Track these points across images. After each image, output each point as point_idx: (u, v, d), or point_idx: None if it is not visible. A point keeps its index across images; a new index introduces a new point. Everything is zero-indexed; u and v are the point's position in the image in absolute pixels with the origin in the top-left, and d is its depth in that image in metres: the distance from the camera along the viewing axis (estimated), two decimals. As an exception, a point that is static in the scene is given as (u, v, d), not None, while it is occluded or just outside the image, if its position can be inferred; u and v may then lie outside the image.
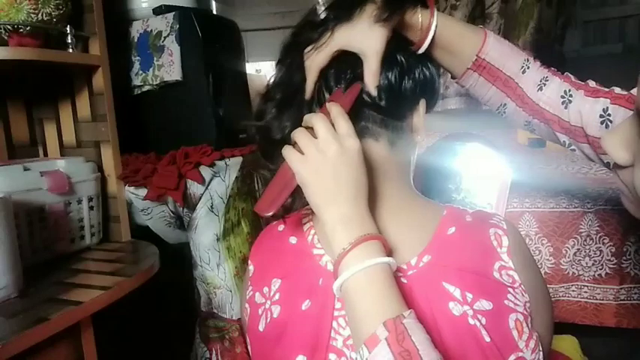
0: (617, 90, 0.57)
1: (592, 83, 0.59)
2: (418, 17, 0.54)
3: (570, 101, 0.57)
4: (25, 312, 0.67)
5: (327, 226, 0.46)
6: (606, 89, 0.57)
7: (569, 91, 0.58)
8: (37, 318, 0.65)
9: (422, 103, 0.55)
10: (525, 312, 0.47)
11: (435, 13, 0.55)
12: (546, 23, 1.63)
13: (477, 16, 1.67)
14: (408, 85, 0.53)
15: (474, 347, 0.45)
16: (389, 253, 0.46)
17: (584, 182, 1.06)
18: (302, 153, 0.47)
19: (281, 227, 0.60)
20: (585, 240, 1.05)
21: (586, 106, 0.56)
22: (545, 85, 0.59)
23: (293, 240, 0.57)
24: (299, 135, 0.48)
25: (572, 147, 0.60)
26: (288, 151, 0.48)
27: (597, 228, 1.04)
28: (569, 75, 0.60)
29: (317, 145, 0.46)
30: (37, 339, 0.63)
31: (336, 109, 0.48)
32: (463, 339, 0.45)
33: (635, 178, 0.37)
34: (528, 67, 0.59)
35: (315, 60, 0.52)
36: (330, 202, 0.46)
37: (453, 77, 0.63)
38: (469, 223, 0.52)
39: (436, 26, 0.54)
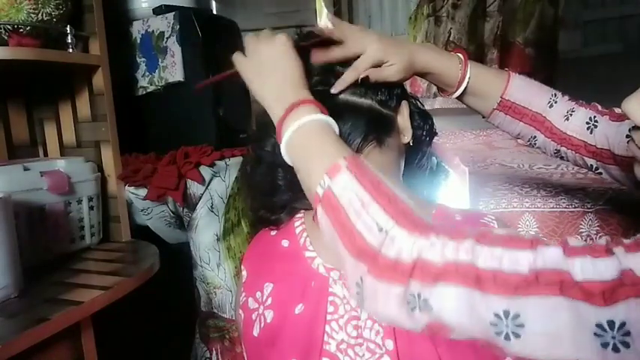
0: None
1: (617, 110, 0.61)
2: (457, 69, 0.60)
3: (595, 126, 0.60)
4: (25, 312, 0.67)
5: (270, 111, 0.50)
6: None
7: (594, 117, 0.61)
8: (37, 318, 0.65)
9: (404, 105, 0.56)
10: None
11: (469, 65, 0.60)
12: (546, 21, 1.63)
13: (478, 16, 1.67)
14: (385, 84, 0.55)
15: (467, 347, 0.45)
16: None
17: (584, 182, 1.06)
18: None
19: (274, 232, 0.60)
20: (585, 240, 1.05)
21: (612, 130, 0.59)
22: (571, 115, 0.62)
23: (285, 243, 0.57)
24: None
25: (600, 170, 0.62)
26: (236, 55, 0.54)
27: (597, 228, 1.04)
28: (596, 104, 0.63)
29: (256, 43, 0.52)
30: (37, 339, 0.63)
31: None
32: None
33: None
34: (556, 102, 0.63)
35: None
36: (268, 88, 0.51)
37: (483, 117, 0.66)
38: (459, 222, 0.53)
39: (469, 78, 0.60)
